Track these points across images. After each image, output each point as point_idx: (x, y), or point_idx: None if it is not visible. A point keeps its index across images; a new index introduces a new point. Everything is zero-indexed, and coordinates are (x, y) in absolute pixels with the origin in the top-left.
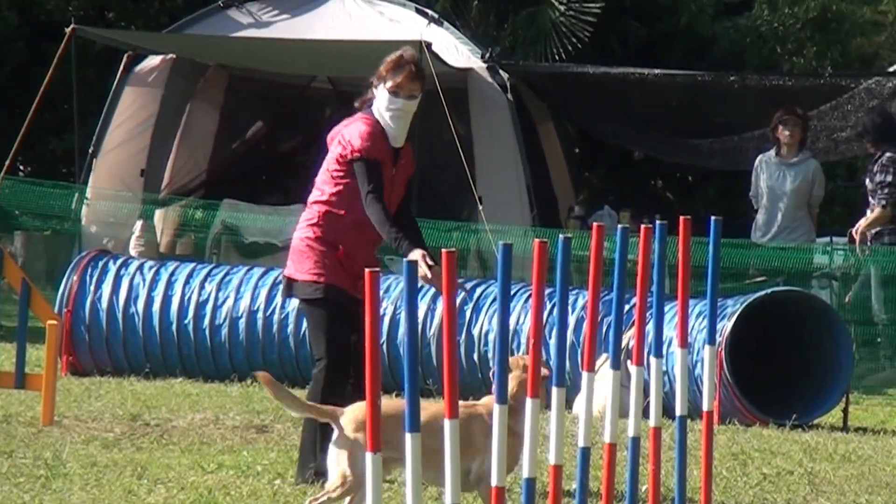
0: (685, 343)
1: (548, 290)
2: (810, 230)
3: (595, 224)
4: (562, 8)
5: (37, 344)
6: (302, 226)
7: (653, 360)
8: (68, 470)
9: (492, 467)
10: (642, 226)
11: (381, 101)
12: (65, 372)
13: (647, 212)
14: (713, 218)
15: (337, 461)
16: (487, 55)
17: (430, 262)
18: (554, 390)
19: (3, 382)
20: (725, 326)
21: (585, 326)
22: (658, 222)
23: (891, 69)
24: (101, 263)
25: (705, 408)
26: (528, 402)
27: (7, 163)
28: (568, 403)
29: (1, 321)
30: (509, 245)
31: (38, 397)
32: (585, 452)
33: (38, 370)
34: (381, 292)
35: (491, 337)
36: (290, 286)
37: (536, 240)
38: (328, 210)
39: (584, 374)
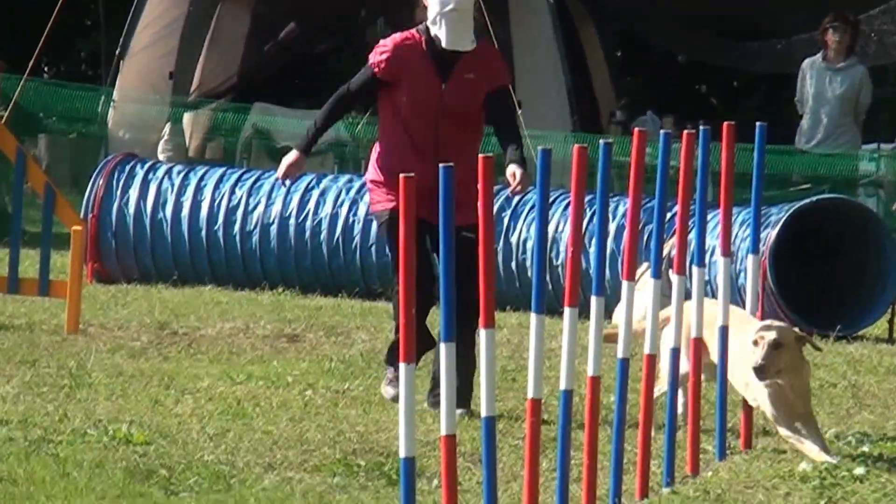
0: (728, 252)
1: (587, 198)
2: (856, 137)
3: (637, 129)
4: None
5: (61, 250)
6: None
7: (695, 269)
8: (93, 380)
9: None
10: (685, 131)
11: (433, 5)
12: (90, 279)
13: (691, 117)
14: (759, 124)
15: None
16: None
17: (293, 171)
18: (593, 300)
19: (27, 290)
20: (769, 235)
21: (626, 235)
22: (702, 128)
23: None
24: (128, 168)
25: None
26: (567, 311)
27: (31, 64)
28: (607, 313)
29: (24, 227)
30: (548, 150)
31: (63, 305)
32: (624, 364)
33: (62, 277)
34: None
35: (529, 245)
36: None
37: (576, 145)
38: (381, 137)
39: (624, 284)
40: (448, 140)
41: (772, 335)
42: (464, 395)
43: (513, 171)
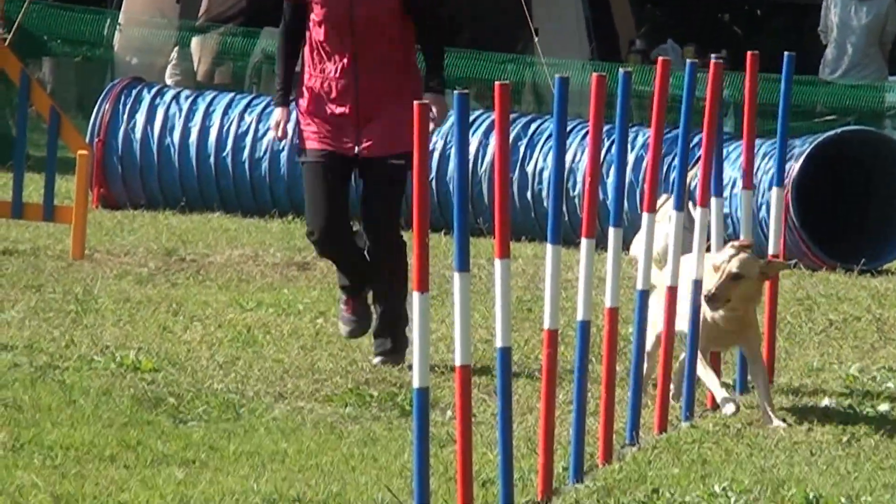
0: (750, 184)
1: (606, 128)
2: (882, 68)
3: (660, 58)
4: None
5: (66, 175)
6: None
7: (712, 200)
8: (100, 305)
9: None
10: (712, 60)
11: None
12: (96, 204)
13: (713, 46)
14: (787, 53)
15: None
16: None
17: (284, 127)
18: (611, 231)
19: (32, 214)
20: (792, 167)
21: (647, 164)
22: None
23: None
24: (134, 92)
25: (771, 251)
26: (584, 242)
27: None
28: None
29: (29, 151)
30: (566, 78)
31: (68, 230)
32: (643, 295)
33: (67, 202)
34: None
35: (545, 175)
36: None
37: (595, 73)
38: (303, 65)
39: (644, 216)
40: (367, 58)
41: (733, 266)
42: (386, 334)
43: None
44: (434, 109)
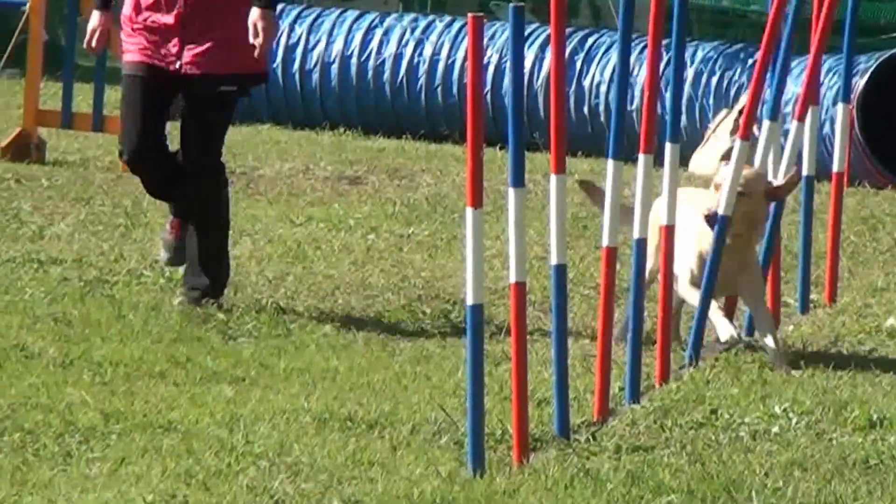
0: (816, 100)
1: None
2: None
3: None
4: None
5: (115, 85)
6: None
7: (765, 122)
8: (149, 219)
9: None
10: None
11: None
12: None
13: None
14: None
15: None
16: None
17: (100, 38)
18: (667, 146)
19: (81, 125)
20: (857, 83)
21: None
22: None
23: None
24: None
25: (835, 168)
26: (641, 157)
27: None
28: (683, 160)
29: (77, 60)
30: None
31: (117, 141)
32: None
33: (116, 113)
34: (486, 39)
35: (602, 89)
36: None
37: None
38: None
39: (737, 143)
40: None
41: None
42: (202, 270)
43: (253, 19)
44: (259, 26)
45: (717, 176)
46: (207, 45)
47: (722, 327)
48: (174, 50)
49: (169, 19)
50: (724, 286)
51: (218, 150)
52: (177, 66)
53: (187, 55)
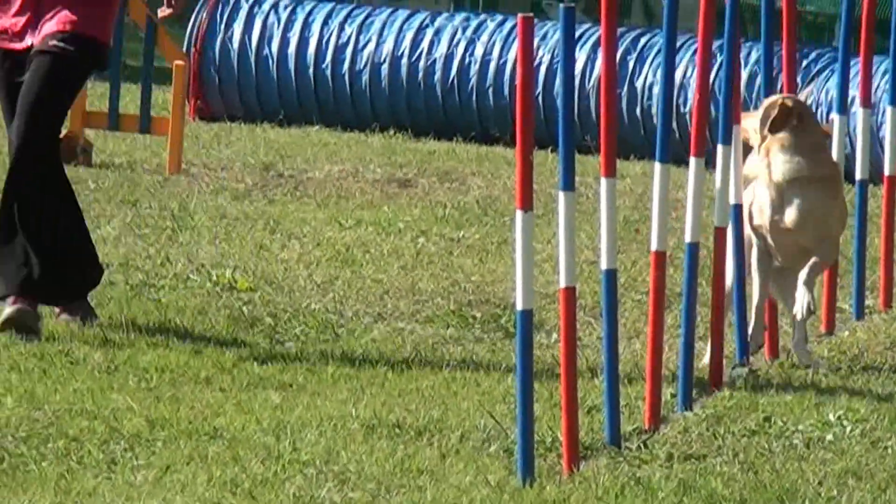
0: (868, 102)
1: (717, 42)
2: None
3: None
4: None
5: (163, 86)
6: None
7: (835, 117)
8: (196, 222)
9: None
10: None
11: None
12: (192, 116)
13: None
14: None
15: None
16: None
17: None
18: (719, 148)
19: (127, 126)
20: None
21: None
22: None
23: None
24: (232, 1)
25: (888, 172)
26: (692, 160)
27: None
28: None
29: (125, 60)
30: None
31: (164, 143)
32: None
33: (164, 114)
34: (537, 39)
35: (655, 90)
36: None
37: None
38: None
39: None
40: None
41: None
42: (30, 283)
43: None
44: None
45: (746, 167)
46: (56, 17)
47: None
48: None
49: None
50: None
51: (54, 123)
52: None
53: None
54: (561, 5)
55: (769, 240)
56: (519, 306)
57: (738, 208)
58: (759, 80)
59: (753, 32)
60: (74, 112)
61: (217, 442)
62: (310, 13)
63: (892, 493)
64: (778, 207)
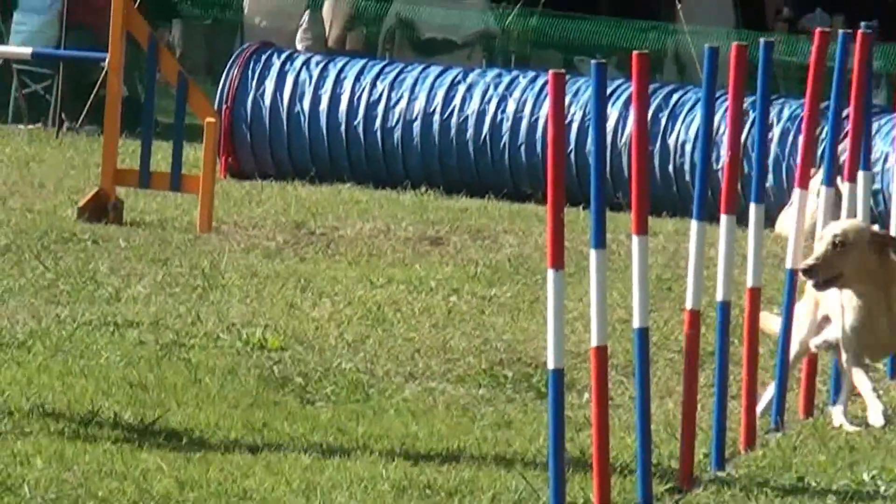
0: None
1: (751, 99)
2: None
3: (818, 29)
4: None
5: (194, 143)
6: None
7: (860, 174)
8: (226, 281)
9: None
10: (859, 31)
11: None
12: (224, 174)
13: (863, 15)
14: None
15: None
16: None
17: None
18: (752, 206)
19: (159, 184)
20: None
21: (801, 139)
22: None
23: None
24: (264, 57)
25: None
26: (724, 218)
27: None
28: (769, 221)
29: (156, 117)
30: (716, 48)
31: (195, 201)
32: (792, 275)
33: (195, 171)
34: (569, 96)
35: (687, 148)
36: None
37: (735, 43)
38: None
39: (797, 191)
40: None
41: (833, 231)
42: None
43: None
44: None
45: (778, 225)
46: None
47: (874, 409)
48: None
49: None
50: (880, 349)
51: None
52: None
53: None
54: (593, 61)
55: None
56: (550, 365)
57: (792, 273)
58: (791, 136)
59: (785, 88)
60: (105, 169)
61: (247, 503)
62: (341, 70)
63: None
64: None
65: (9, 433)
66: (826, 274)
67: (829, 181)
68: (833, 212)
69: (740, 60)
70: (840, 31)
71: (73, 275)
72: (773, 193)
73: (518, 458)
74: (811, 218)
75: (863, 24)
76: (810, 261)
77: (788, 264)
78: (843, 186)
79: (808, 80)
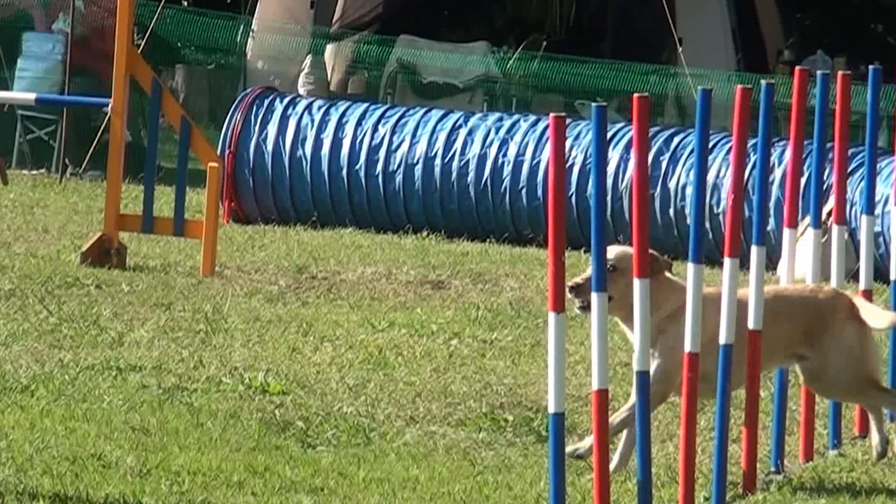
0: None
1: (753, 141)
2: None
3: (797, 69)
4: None
5: (197, 188)
6: None
7: (863, 217)
8: (229, 325)
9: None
10: (840, 73)
11: None
12: (226, 219)
13: (865, 58)
14: None
15: None
16: None
17: None
18: (754, 249)
19: (162, 229)
20: None
21: (787, 181)
22: (871, 67)
23: None
24: (266, 102)
25: None
26: (726, 261)
27: None
28: (771, 264)
29: (159, 162)
30: (709, 90)
31: (198, 246)
32: None
33: (198, 216)
34: (570, 139)
35: (688, 191)
36: None
37: (739, 86)
38: None
39: (786, 232)
40: None
41: (608, 255)
42: None
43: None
44: None
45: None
46: None
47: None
48: None
49: None
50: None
51: None
52: None
53: None
54: (593, 104)
55: None
56: (551, 409)
57: None
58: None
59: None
60: (108, 215)
61: None
62: (343, 114)
63: None
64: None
65: (12, 477)
66: (587, 292)
67: (816, 223)
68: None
69: (744, 103)
70: (819, 73)
71: (77, 319)
72: (773, 236)
73: (519, 502)
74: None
75: (871, 67)
76: (579, 279)
77: None
78: (834, 228)
79: (791, 121)
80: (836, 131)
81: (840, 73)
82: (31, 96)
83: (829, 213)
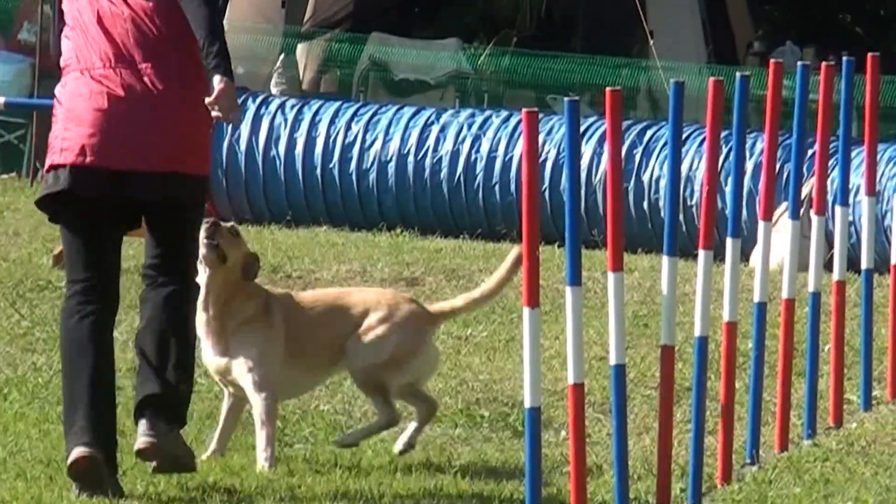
0: (873, 191)
1: (724, 133)
2: None
3: (772, 61)
4: None
5: None
6: None
7: (838, 208)
8: None
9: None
10: (823, 63)
11: None
12: None
13: (834, 49)
14: None
15: None
16: None
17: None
18: (729, 241)
19: (134, 231)
20: None
21: (763, 173)
22: (845, 59)
23: None
24: (238, 102)
25: (894, 261)
26: (701, 253)
27: None
28: (744, 255)
29: None
30: (681, 83)
31: None
32: (762, 308)
33: None
34: (543, 134)
35: (662, 184)
36: None
37: (712, 78)
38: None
39: (761, 224)
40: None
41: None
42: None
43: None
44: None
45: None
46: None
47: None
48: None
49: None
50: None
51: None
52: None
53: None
54: (565, 99)
55: None
56: (527, 404)
57: (762, 306)
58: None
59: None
60: None
61: None
62: (316, 112)
63: None
64: None
65: None
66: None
67: (794, 214)
68: (803, 245)
69: (717, 96)
70: (799, 64)
71: (49, 322)
72: (746, 228)
73: (495, 497)
74: (781, 252)
75: (844, 58)
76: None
77: (756, 298)
78: (814, 219)
79: (767, 113)
80: (819, 122)
81: (824, 64)
82: (0, 100)
83: (804, 201)
